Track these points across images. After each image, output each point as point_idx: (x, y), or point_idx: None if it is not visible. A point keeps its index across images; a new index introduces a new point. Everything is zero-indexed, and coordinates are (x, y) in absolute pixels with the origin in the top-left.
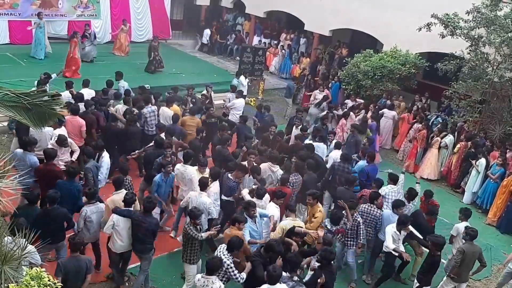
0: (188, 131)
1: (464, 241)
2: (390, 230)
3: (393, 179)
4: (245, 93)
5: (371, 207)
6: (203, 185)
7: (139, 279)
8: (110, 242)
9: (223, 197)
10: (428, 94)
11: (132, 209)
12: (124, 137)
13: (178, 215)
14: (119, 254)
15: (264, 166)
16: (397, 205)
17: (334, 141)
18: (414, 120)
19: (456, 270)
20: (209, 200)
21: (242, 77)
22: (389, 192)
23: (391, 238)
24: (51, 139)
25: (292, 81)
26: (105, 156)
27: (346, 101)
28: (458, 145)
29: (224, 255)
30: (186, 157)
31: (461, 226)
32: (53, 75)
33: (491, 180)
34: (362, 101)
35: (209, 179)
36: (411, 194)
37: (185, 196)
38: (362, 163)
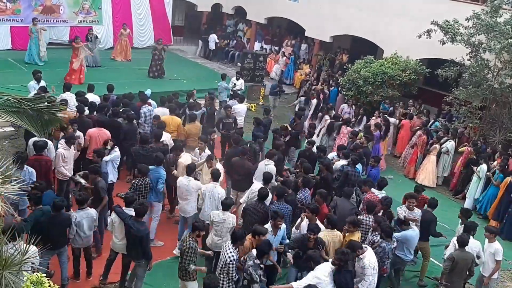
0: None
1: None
2: None
3: (381, 185)
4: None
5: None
6: (216, 176)
7: (137, 286)
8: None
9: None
10: (422, 100)
11: (128, 212)
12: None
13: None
14: (115, 252)
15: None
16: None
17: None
18: (417, 127)
19: (445, 277)
20: (223, 190)
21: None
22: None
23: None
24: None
25: (278, 83)
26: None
27: (342, 105)
28: (463, 148)
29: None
30: (188, 169)
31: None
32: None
33: (494, 183)
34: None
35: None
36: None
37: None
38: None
